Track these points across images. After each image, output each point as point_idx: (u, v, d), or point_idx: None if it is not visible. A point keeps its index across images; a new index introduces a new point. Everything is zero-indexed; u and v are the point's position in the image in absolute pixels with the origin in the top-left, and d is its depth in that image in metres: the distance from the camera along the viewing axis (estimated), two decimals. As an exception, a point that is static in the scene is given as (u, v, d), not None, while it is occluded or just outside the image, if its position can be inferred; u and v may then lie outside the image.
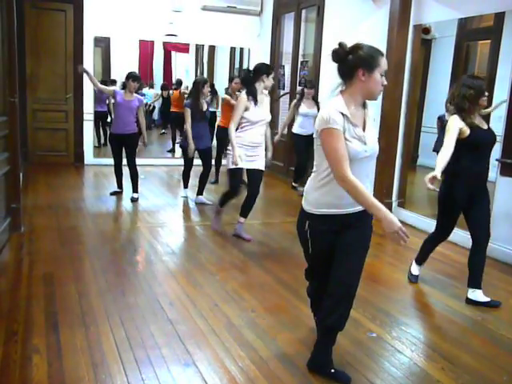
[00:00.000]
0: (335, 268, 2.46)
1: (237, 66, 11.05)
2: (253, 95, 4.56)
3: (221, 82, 11.56)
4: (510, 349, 3.07)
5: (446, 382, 2.62)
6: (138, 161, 6.39)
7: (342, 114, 2.27)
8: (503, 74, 5.24)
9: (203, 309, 3.31)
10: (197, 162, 6.31)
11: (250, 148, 4.62)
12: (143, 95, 10.24)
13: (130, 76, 6.17)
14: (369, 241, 2.52)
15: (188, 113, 5.99)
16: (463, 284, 3.74)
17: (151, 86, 13.49)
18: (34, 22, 7.93)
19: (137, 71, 7.72)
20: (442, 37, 7.88)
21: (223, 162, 6.84)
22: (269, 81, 4.62)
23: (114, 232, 5.18)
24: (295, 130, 7.10)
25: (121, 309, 3.24)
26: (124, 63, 11.77)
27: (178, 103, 10.08)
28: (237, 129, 4.66)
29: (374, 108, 2.52)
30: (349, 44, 2.33)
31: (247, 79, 4.68)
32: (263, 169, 4.78)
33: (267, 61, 8.47)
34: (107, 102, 9.92)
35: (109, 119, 10.23)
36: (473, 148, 3.46)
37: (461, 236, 4.44)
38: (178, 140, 10.10)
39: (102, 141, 10.34)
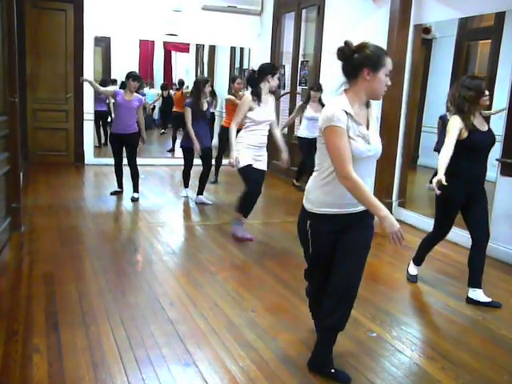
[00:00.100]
0: (336, 268, 2.45)
1: (237, 65, 11.05)
2: (258, 95, 4.56)
3: (221, 81, 11.58)
4: (511, 348, 3.07)
5: (446, 382, 2.62)
6: (139, 160, 6.39)
7: (346, 112, 2.26)
8: (503, 74, 5.25)
9: (203, 308, 3.31)
10: (197, 161, 6.31)
11: (256, 148, 4.63)
12: (144, 95, 10.24)
13: (131, 76, 6.17)
14: (370, 241, 2.51)
15: (188, 112, 5.99)
16: (463, 284, 3.74)
17: (151, 86, 13.50)
18: (34, 22, 7.92)
19: (137, 71, 7.75)
20: (443, 37, 7.88)
21: (224, 161, 6.84)
22: (274, 81, 4.61)
23: (114, 232, 5.18)
24: (301, 133, 6.98)
25: (121, 308, 3.25)
26: (124, 63, 11.79)
27: (180, 103, 10.08)
28: (240, 129, 4.68)
29: (375, 108, 2.51)
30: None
31: (252, 79, 4.65)
32: (266, 169, 4.80)
33: (267, 60, 8.47)
34: (107, 101, 9.93)
35: (109, 119, 10.23)
36: (471, 150, 3.47)
37: (461, 236, 4.44)
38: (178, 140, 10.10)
39: (103, 140, 10.34)
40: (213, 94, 9.12)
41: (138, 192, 6.33)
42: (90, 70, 8.24)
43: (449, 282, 4.08)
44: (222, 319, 3.17)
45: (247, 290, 3.67)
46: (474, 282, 3.61)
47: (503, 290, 3.96)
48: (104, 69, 12.36)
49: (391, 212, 5.29)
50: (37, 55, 8.03)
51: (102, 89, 6.75)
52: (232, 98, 6.90)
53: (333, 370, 2.57)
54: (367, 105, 2.40)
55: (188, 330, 3.00)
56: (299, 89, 8.29)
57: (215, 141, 7.27)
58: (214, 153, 6.87)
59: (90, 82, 6.79)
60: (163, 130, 13.12)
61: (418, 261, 3.99)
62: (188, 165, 6.39)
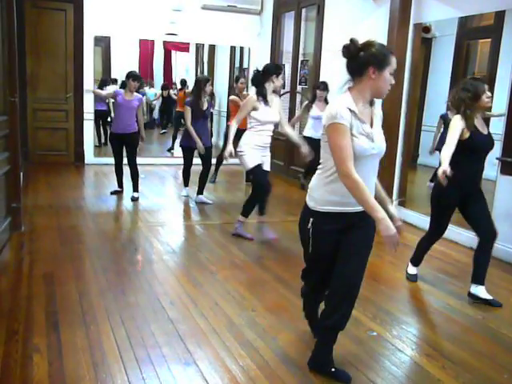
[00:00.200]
0: (338, 267, 2.44)
1: (237, 65, 11.04)
2: (262, 95, 4.56)
3: (221, 80, 11.57)
4: (511, 347, 3.07)
5: (446, 381, 2.62)
6: (139, 160, 6.39)
7: (350, 110, 2.25)
8: (503, 73, 5.24)
9: (204, 308, 3.31)
10: (196, 161, 6.31)
11: (261, 149, 4.65)
12: (144, 94, 10.25)
13: (131, 75, 6.17)
14: (372, 241, 2.50)
15: (188, 111, 5.99)
16: (463, 282, 3.74)
17: (151, 86, 13.50)
18: (34, 22, 7.93)
19: (137, 70, 7.75)
20: (443, 35, 7.87)
21: (224, 161, 6.84)
22: (278, 81, 4.62)
23: (114, 231, 5.18)
24: (307, 132, 6.88)
25: (121, 308, 3.24)
26: (124, 62, 11.78)
27: (182, 103, 10.09)
28: (244, 129, 4.69)
29: (379, 106, 2.51)
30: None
31: (257, 79, 4.64)
32: (269, 170, 4.82)
33: (267, 60, 8.48)
34: (107, 100, 9.93)
35: (109, 118, 10.23)
36: (470, 151, 3.47)
37: (461, 235, 4.43)
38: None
39: (103, 140, 10.34)
40: (211, 93, 9.09)
41: (137, 191, 6.33)
42: (89, 69, 8.26)
43: (449, 280, 4.08)
44: (222, 318, 3.17)
45: (247, 290, 3.67)
46: (478, 278, 3.61)
47: (504, 288, 3.96)
48: (104, 68, 12.35)
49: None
50: (37, 55, 8.03)
51: (105, 93, 6.85)
52: (236, 98, 6.89)
53: (333, 369, 2.56)
54: (371, 103, 2.38)
55: (188, 330, 3.00)
56: (299, 88, 8.30)
57: (214, 140, 7.26)
58: (215, 153, 6.87)
59: (96, 92, 6.91)
60: (163, 130, 13.12)
61: (416, 261, 3.99)
62: (187, 164, 6.40)
